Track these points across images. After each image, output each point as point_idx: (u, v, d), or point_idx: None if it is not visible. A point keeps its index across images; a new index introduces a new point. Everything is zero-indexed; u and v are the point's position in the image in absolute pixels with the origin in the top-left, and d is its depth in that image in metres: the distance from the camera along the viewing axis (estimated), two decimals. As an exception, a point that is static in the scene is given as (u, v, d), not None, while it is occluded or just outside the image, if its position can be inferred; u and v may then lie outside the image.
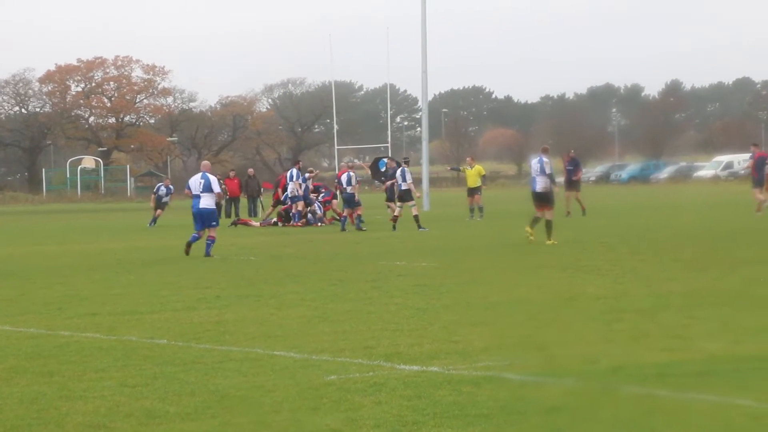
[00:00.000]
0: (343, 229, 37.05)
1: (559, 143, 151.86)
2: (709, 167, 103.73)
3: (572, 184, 44.57)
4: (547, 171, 28.25)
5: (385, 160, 50.19)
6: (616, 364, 11.00)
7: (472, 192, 43.48)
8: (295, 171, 42.62)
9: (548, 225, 27.72)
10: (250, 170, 60.93)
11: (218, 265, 24.88)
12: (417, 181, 45.16)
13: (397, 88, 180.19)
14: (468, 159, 46.47)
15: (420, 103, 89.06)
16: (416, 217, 36.13)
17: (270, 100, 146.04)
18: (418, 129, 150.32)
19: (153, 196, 47.86)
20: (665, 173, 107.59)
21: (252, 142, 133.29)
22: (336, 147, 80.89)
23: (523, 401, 9.44)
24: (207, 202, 27.53)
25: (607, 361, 11.19)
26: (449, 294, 17.48)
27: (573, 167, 44.93)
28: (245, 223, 44.69)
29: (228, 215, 54.32)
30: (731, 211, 41.04)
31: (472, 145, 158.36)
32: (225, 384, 10.68)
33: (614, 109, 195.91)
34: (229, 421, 9.19)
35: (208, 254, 27.02)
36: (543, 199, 27.99)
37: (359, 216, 37.78)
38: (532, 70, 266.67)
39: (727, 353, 11.51)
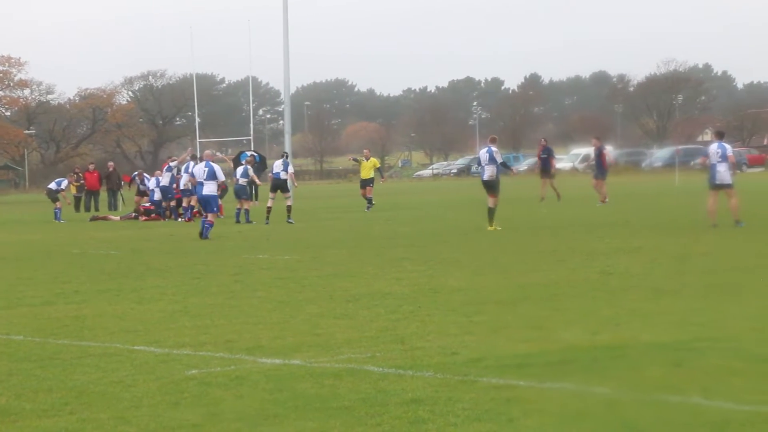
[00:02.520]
0: (238, 221, 36.87)
1: (422, 136, 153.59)
2: (566, 160, 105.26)
3: (547, 171, 46.59)
4: (499, 160, 29.69)
5: (248, 153, 49.99)
6: (476, 355, 11.11)
7: (365, 183, 44.18)
8: (191, 164, 41.39)
9: (490, 212, 29.18)
10: (111, 164, 60.16)
11: (77, 260, 24.52)
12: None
13: (259, 80, 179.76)
14: (365, 151, 47.90)
15: (282, 96, 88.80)
16: (289, 208, 36.32)
17: (130, 93, 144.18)
18: (281, 122, 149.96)
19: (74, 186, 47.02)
20: (524, 165, 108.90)
21: (112, 135, 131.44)
22: (198, 140, 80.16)
23: (384, 393, 9.49)
24: (210, 188, 30.01)
25: (466, 352, 11.30)
26: (311, 287, 17.49)
27: (547, 155, 47.03)
28: (104, 219, 44.02)
29: (87, 209, 53.60)
30: (588, 203, 41.76)
31: (335, 138, 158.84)
32: (84, 380, 10.54)
33: (475, 103, 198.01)
34: (87, 417, 9.07)
35: (205, 236, 29.01)
36: (489, 187, 29.49)
37: (247, 210, 37.60)
38: (395, 63, 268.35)
39: (586, 343, 11.71)
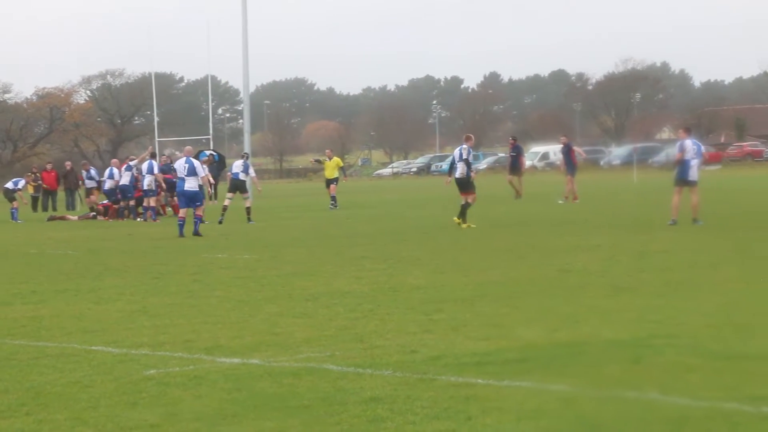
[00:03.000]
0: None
1: (381, 135, 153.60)
2: (527, 158, 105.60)
3: (515, 169, 47.23)
4: (464, 156, 29.88)
5: (207, 152, 49.83)
6: (435, 353, 11.11)
7: (329, 182, 44.63)
8: (155, 163, 40.75)
9: (463, 208, 29.52)
10: (68, 163, 59.78)
11: (35, 260, 24.36)
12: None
13: (218, 79, 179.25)
14: (327, 151, 49.15)
15: (242, 95, 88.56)
16: (248, 210, 36.26)
17: (88, 92, 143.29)
18: (240, 121, 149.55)
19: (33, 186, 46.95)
20: (484, 164, 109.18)
21: (70, 135, 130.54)
22: (157, 139, 79.87)
23: (343, 392, 9.48)
24: (191, 184, 30.37)
25: (425, 351, 11.30)
26: (271, 286, 17.46)
27: (516, 153, 47.70)
28: (62, 219, 43.74)
29: (45, 209, 53.26)
30: (547, 201, 41.91)
31: (294, 137, 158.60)
32: (40, 380, 10.46)
33: (435, 101, 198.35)
34: (44, 418, 9.00)
35: (196, 232, 29.55)
36: (460, 185, 29.91)
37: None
38: (354, 62, 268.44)
39: (544, 340, 11.74)
